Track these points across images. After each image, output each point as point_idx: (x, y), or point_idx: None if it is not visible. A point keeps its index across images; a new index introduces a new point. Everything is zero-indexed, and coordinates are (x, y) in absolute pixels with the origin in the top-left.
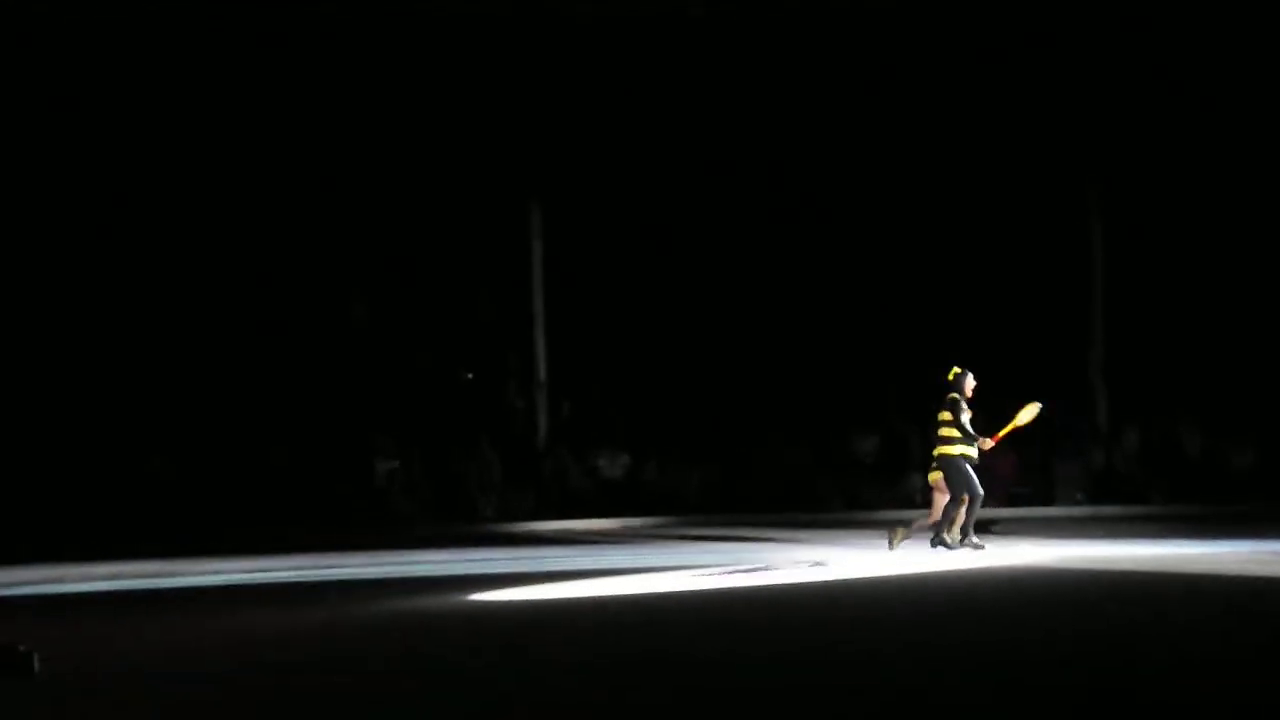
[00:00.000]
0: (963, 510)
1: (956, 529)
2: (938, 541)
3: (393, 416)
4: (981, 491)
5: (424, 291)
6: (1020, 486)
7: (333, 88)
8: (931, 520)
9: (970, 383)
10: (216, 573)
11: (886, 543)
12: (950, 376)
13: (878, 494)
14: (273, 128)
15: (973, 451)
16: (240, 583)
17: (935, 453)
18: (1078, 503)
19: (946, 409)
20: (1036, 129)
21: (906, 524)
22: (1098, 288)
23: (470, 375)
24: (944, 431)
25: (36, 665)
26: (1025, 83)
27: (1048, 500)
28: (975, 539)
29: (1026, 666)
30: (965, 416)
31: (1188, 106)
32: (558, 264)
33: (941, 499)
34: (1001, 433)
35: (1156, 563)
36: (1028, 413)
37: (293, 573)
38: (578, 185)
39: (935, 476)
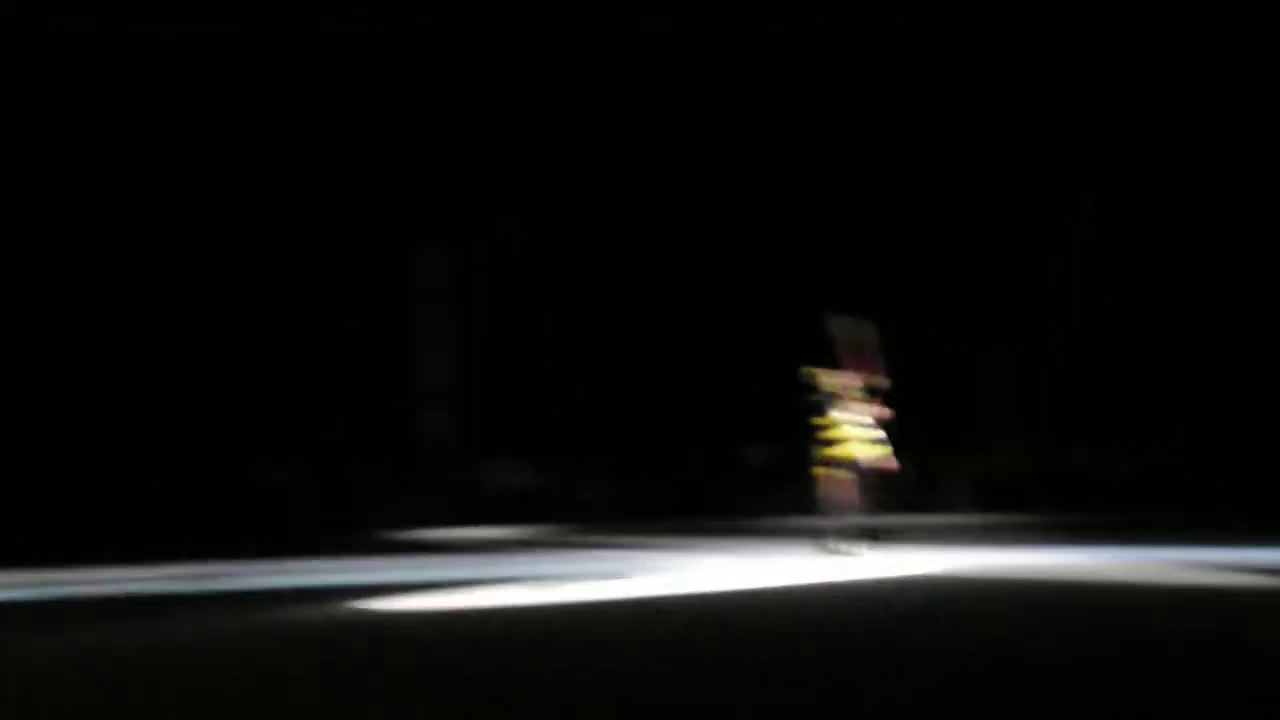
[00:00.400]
0: (848, 516)
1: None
2: (836, 549)
3: (292, 426)
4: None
5: (324, 299)
6: (909, 494)
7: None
8: (842, 519)
9: (834, 379)
10: (91, 583)
11: (828, 551)
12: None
13: (775, 501)
14: (158, 121)
15: (853, 451)
16: (111, 594)
17: (823, 455)
18: (965, 510)
19: (816, 414)
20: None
21: (827, 531)
22: (994, 303)
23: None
24: (828, 434)
25: None
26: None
27: (937, 508)
28: (849, 546)
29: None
30: (836, 411)
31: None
32: (462, 273)
33: (840, 499)
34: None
35: (1022, 570)
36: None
37: (181, 584)
38: (477, 192)
39: (826, 475)
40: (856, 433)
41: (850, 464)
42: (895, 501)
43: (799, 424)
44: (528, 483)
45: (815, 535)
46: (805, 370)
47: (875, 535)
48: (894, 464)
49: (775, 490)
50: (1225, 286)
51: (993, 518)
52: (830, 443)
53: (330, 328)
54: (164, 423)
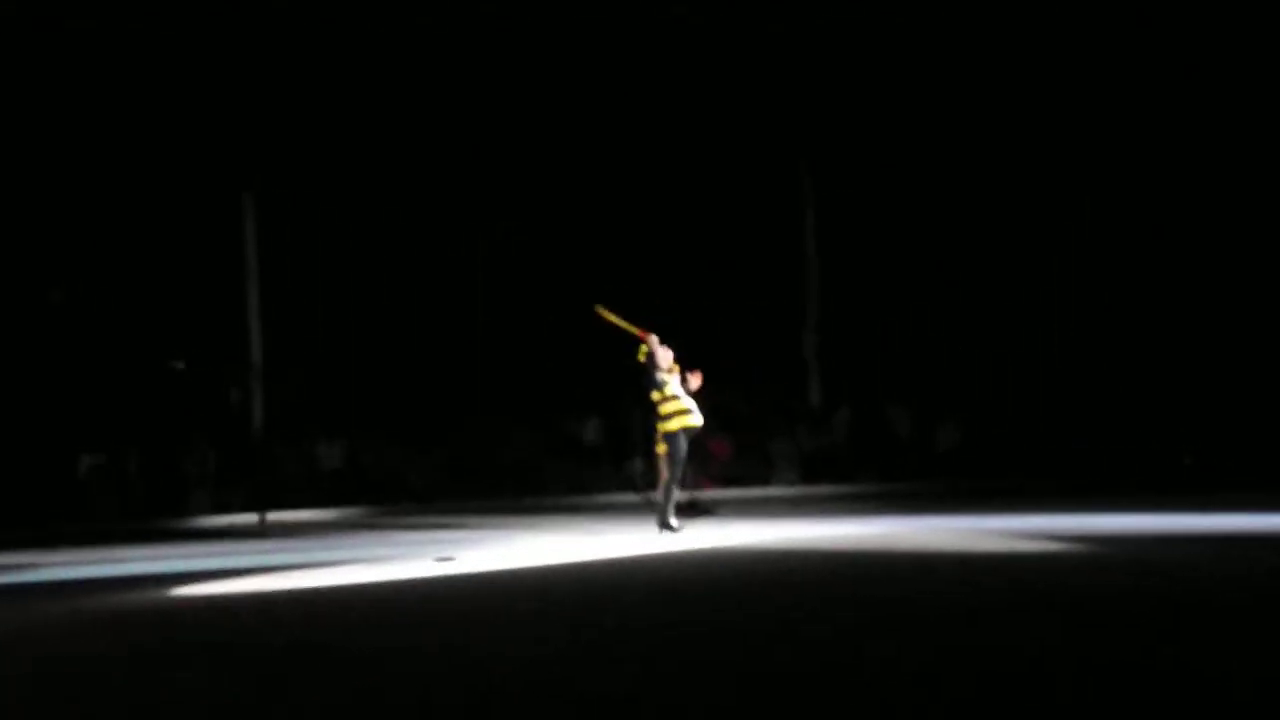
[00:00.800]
0: (679, 490)
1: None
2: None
3: (101, 409)
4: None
5: (130, 277)
6: (735, 468)
7: (36, 61)
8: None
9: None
10: None
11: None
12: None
13: (601, 478)
14: None
15: (691, 421)
16: None
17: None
18: (791, 483)
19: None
20: (751, 115)
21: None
22: (812, 272)
23: (181, 365)
24: (665, 409)
25: None
26: (741, 68)
27: (763, 481)
28: (679, 521)
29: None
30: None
31: (898, 94)
32: (270, 249)
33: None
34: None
35: (846, 541)
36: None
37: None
38: (291, 172)
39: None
40: (687, 404)
41: (687, 435)
42: (721, 475)
43: (629, 399)
44: (346, 462)
45: (647, 510)
46: (641, 348)
47: (708, 509)
48: (724, 443)
49: (606, 466)
50: (1047, 252)
51: (819, 489)
52: (668, 416)
53: (146, 308)
54: None
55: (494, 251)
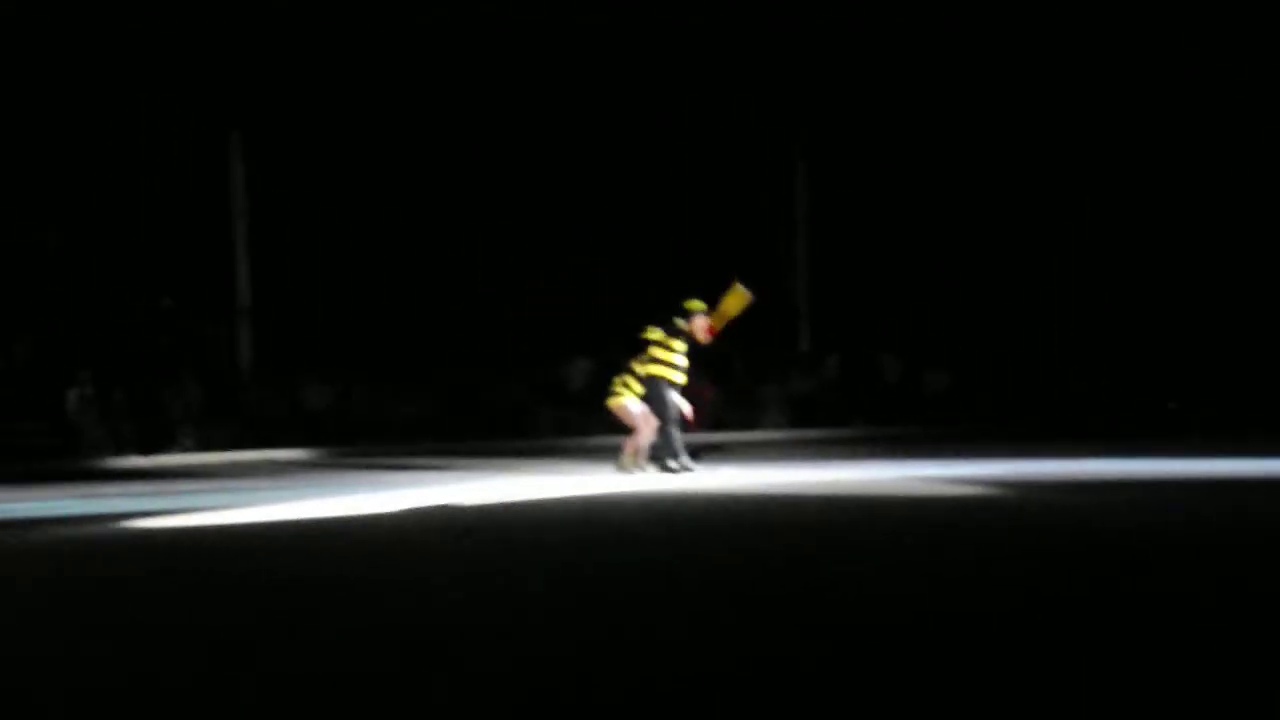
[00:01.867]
0: (661, 434)
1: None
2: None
3: (90, 347)
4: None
5: (120, 217)
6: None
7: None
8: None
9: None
10: None
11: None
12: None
13: (589, 420)
14: None
15: (677, 377)
16: None
17: (643, 374)
18: (780, 426)
19: (669, 334)
20: (747, 68)
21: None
22: (801, 218)
23: (169, 302)
24: (657, 354)
25: None
26: (732, 24)
27: (751, 425)
28: (681, 462)
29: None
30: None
31: (885, 47)
32: (259, 186)
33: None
34: (717, 323)
35: (826, 486)
36: (736, 300)
37: None
38: (280, 107)
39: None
40: (681, 364)
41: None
42: (711, 418)
43: (621, 343)
44: (333, 404)
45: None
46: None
47: (694, 453)
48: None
49: (596, 410)
50: (1041, 200)
51: (809, 433)
52: (658, 363)
53: (134, 247)
54: None
55: (485, 192)
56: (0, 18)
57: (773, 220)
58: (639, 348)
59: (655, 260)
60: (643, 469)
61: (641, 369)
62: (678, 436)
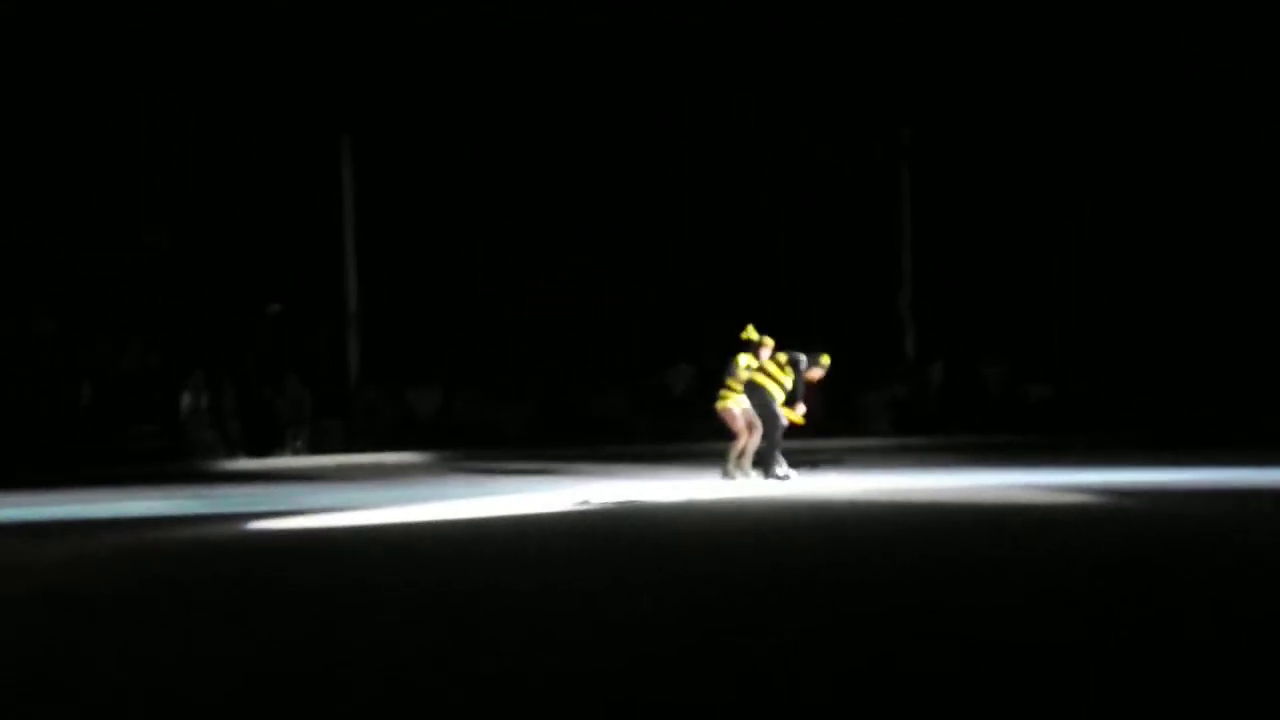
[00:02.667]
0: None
1: (749, 460)
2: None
3: (202, 349)
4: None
5: (232, 221)
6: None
7: (138, 13)
8: (745, 445)
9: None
10: None
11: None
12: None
13: (691, 426)
14: (72, 51)
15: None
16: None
17: (749, 380)
18: (884, 434)
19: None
20: (851, 77)
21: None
22: (906, 228)
23: (277, 308)
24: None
25: None
26: (846, 30)
27: (858, 432)
28: (782, 470)
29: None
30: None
31: (1003, 57)
32: (370, 196)
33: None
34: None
35: (934, 493)
36: (820, 368)
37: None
38: (390, 116)
39: (738, 406)
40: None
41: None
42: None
43: (719, 350)
44: (439, 410)
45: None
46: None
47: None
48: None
49: (697, 416)
50: (1142, 217)
51: (912, 440)
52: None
53: (246, 252)
54: (79, 348)
55: (590, 204)
56: (118, 23)
57: (880, 229)
58: (742, 348)
59: (759, 270)
60: (747, 474)
61: (747, 376)
62: (779, 444)
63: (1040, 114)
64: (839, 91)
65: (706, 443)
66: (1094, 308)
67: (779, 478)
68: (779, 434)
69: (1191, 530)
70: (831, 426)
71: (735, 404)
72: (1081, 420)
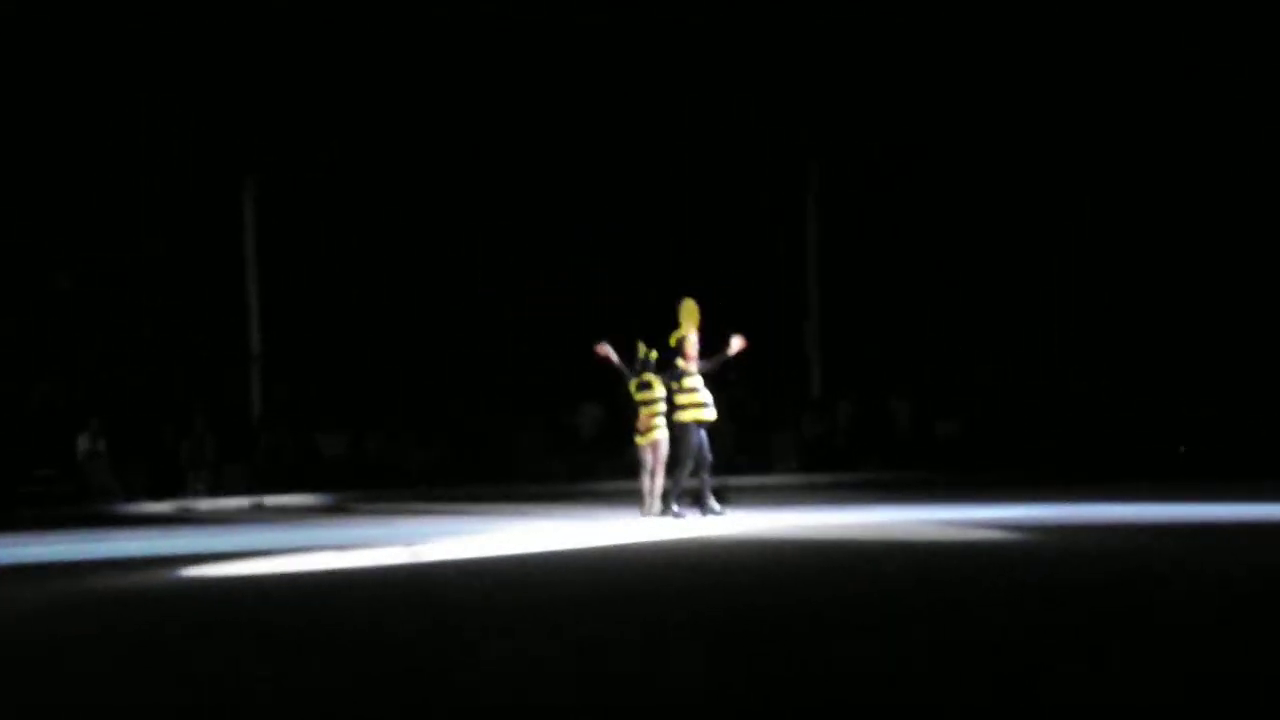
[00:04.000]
0: (678, 476)
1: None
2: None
3: (101, 393)
4: (695, 459)
5: (133, 263)
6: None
7: (39, 44)
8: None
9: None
10: None
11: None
12: (648, 356)
13: (601, 465)
14: None
15: (705, 415)
16: None
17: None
18: (792, 470)
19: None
20: (756, 108)
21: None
22: (812, 264)
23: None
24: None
25: None
26: (747, 62)
27: (765, 469)
28: (677, 508)
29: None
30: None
31: (901, 91)
32: (271, 238)
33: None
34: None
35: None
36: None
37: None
38: (294, 159)
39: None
40: (704, 397)
41: (699, 427)
42: (723, 463)
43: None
44: (348, 450)
45: (679, 496)
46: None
47: (722, 495)
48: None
49: (606, 455)
50: (1046, 245)
51: (820, 477)
52: (682, 407)
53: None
54: None
55: (494, 242)
56: (19, 57)
57: (784, 266)
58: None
59: (663, 307)
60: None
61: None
62: (683, 481)
63: (945, 147)
64: (745, 129)
65: (614, 481)
66: (1003, 340)
67: (677, 515)
68: (683, 468)
69: (1104, 565)
70: (741, 464)
71: (663, 433)
72: (991, 456)
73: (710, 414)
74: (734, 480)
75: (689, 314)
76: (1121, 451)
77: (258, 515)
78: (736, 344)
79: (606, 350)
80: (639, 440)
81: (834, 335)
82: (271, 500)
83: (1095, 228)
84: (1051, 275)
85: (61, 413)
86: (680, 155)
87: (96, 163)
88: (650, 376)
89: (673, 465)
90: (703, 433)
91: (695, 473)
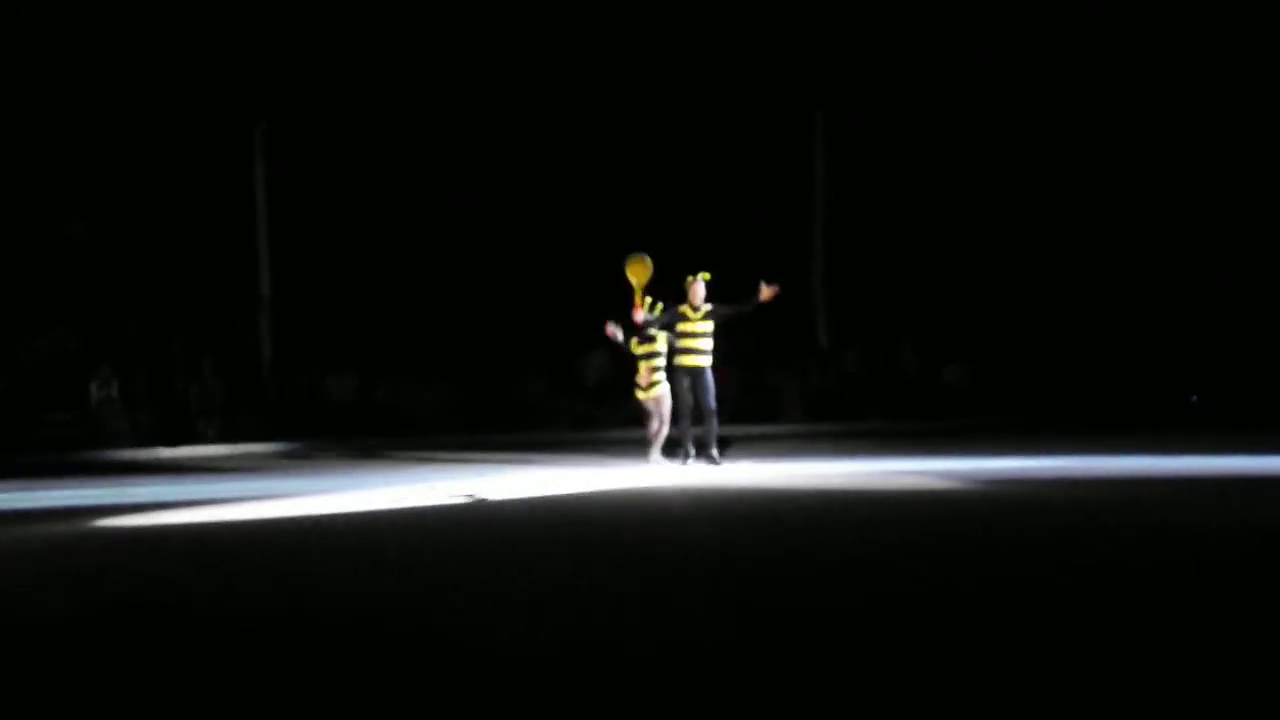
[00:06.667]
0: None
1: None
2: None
3: (114, 338)
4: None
5: (145, 209)
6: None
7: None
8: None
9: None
10: None
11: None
12: (652, 309)
13: (607, 414)
14: None
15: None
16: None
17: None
18: (797, 420)
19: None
20: (764, 55)
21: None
22: (819, 212)
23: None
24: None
25: None
26: (753, 12)
27: (771, 418)
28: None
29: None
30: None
31: (910, 36)
32: (282, 182)
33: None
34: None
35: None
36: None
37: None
38: (305, 102)
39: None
40: (701, 344)
41: (696, 373)
42: (727, 410)
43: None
44: (356, 396)
45: (668, 446)
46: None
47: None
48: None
49: (610, 404)
50: (1060, 196)
51: (826, 426)
52: (682, 352)
53: (159, 239)
54: None
55: (504, 190)
56: (35, 13)
57: (789, 213)
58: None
59: (670, 254)
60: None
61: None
62: (686, 429)
63: (956, 94)
64: (752, 74)
65: (622, 430)
66: (1011, 287)
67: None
68: (685, 417)
69: (1100, 515)
70: (746, 412)
71: (664, 387)
72: (999, 404)
73: (697, 360)
74: (739, 429)
75: (635, 270)
76: (1132, 400)
77: (265, 462)
78: (766, 292)
79: (614, 331)
80: (640, 395)
81: (840, 283)
82: (277, 446)
83: (1107, 169)
84: (1061, 220)
85: (74, 358)
86: (687, 105)
87: (108, 110)
88: (654, 332)
89: (675, 416)
90: (708, 379)
91: (698, 421)
